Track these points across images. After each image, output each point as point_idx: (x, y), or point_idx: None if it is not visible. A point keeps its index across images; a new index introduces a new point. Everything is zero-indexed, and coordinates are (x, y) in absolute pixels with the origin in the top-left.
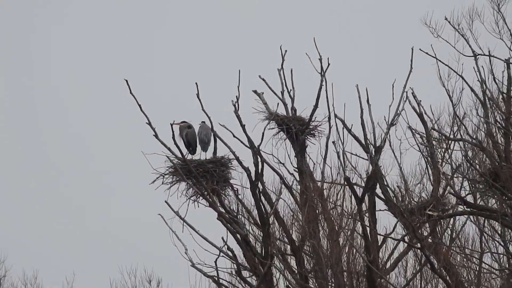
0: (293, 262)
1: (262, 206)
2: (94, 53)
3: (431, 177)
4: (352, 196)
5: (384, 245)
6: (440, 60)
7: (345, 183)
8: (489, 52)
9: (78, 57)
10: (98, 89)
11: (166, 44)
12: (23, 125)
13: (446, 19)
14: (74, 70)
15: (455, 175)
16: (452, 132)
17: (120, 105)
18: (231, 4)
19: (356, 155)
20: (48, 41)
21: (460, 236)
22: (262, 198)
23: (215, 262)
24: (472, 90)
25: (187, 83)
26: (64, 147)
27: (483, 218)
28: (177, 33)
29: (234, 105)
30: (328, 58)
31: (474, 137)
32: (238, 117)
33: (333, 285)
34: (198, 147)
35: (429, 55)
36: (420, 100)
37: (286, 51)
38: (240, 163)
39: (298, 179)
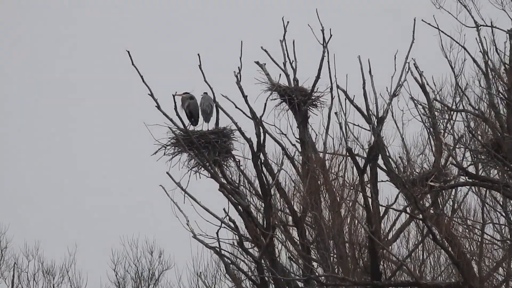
0: (295, 233)
1: (264, 177)
2: (97, 22)
3: (433, 148)
4: (354, 167)
5: (386, 216)
6: (442, 31)
7: (347, 154)
8: (491, 23)
9: (81, 25)
10: (100, 60)
11: (167, 15)
12: (23, 95)
13: None
14: (76, 40)
15: (457, 146)
16: (454, 103)
17: (122, 76)
18: None
19: (358, 126)
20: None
21: (462, 207)
22: (264, 169)
23: (217, 233)
24: (474, 61)
25: (190, 54)
26: (66, 119)
27: (485, 189)
28: (178, 4)
29: (236, 76)
30: (330, 29)
31: (476, 108)
32: (240, 88)
33: (335, 256)
34: (200, 118)
35: (432, 26)
36: (422, 71)
37: (288, 22)
38: (242, 134)
39: (300, 150)
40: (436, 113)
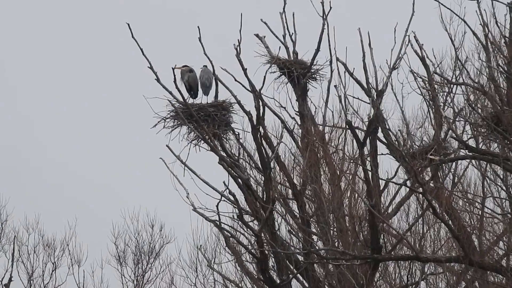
0: (294, 207)
1: (264, 150)
2: None
3: (433, 121)
4: (354, 140)
5: (386, 189)
6: (442, 4)
7: (347, 127)
8: None
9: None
10: (99, 33)
11: None
12: (27, 64)
13: None
14: (75, 13)
15: (457, 119)
16: (454, 76)
17: (122, 49)
18: None
19: (358, 98)
20: None
21: (462, 181)
22: (264, 142)
23: (217, 206)
24: (474, 34)
25: (189, 27)
26: (65, 93)
27: (485, 163)
28: None
29: (236, 49)
30: (330, 2)
31: (476, 81)
32: (239, 60)
33: (335, 229)
34: (200, 91)
35: None
36: (422, 44)
37: None
38: (241, 107)
39: (299, 123)
40: (436, 86)
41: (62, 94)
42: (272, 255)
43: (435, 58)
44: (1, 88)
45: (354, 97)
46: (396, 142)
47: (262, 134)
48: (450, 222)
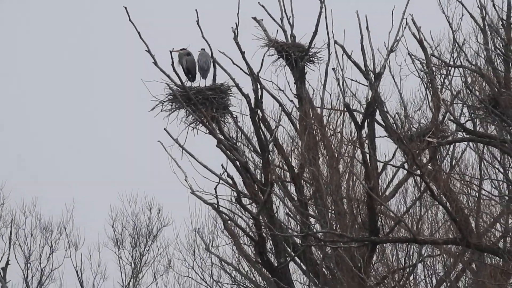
0: (293, 189)
1: (262, 133)
2: None
3: (431, 104)
4: (352, 123)
5: (384, 172)
6: None
7: (345, 110)
8: None
9: None
10: (97, 17)
11: None
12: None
13: None
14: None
15: (454, 102)
16: (452, 58)
17: (119, 32)
18: None
19: (356, 81)
20: None
21: (459, 163)
22: (262, 125)
23: (215, 189)
24: (471, 16)
25: (187, 10)
26: (63, 77)
27: (483, 145)
28: None
29: (234, 32)
30: None
31: (474, 63)
32: (237, 44)
33: (333, 212)
34: (198, 74)
35: None
36: (420, 27)
37: None
38: (239, 90)
39: (297, 106)
40: (433, 68)
41: (61, 75)
42: (270, 237)
43: (432, 40)
44: None
45: (352, 80)
46: (394, 124)
47: (260, 117)
48: (447, 204)
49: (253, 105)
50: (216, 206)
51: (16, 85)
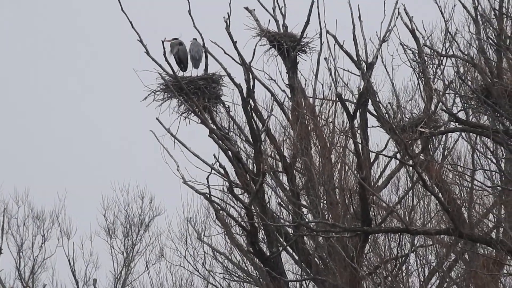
0: (284, 179)
1: (254, 123)
2: None
3: (423, 94)
4: (344, 113)
5: (376, 162)
6: None
7: (337, 100)
8: None
9: None
10: (88, 6)
11: None
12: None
13: None
14: None
15: (447, 92)
16: (444, 48)
17: (111, 22)
18: None
19: (348, 71)
20: None
21: (452, 153)
22: (254, 115)
23: (207, 179)
24: (464, 6)
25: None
26: (55, 65)
27: (475, 135)
28: None
29: (226, 22)
30: None
31: (466, 53)
32: (229, 33)
33: (325, 202)
34: (190, 64)
35: None
36: (412, 16)
37: None
38: (231, 79)
39: (289, 95)
40: (425, 58)
41: (52, 64)
42: (262, 227)
43: (425, 30)
44: None
45: (344, 70)
46: (386, 114)
47: (252, 107)
48: (440, 194)
49: (245, 95)
50: (208, 196)
51: (6, 74)
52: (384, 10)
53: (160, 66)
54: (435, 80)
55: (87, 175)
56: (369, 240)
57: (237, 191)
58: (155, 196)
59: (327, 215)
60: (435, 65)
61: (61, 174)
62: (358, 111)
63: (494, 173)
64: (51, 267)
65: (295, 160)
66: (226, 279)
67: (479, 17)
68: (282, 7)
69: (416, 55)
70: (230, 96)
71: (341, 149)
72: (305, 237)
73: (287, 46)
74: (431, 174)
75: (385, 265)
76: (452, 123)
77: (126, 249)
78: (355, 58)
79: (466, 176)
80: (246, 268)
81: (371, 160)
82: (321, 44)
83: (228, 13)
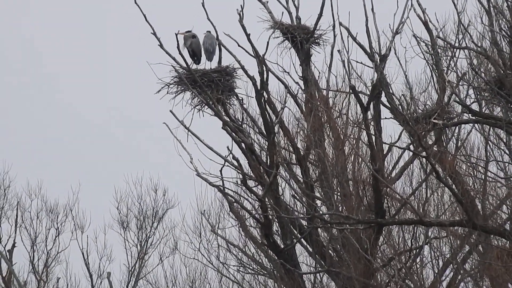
0: (298, 172)
1: (267, 115)
2: None
3: (436, 86)
4: (357, 105)
5: (390, 154)
6: None
7: (350, 92)
8: None
9: None
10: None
11: None
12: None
13: None
14: None
15: (460, 83)
16: (457, 40)
17: (125, 15)
18: None
19: (361, 63)
20: None
21: (465, 145)
22: (267, 107)
23: (220, 171)
24: None
25: None
26: (68, 58)
27: (488, 127)
28: None
29: (239, 14)
30: None
31: (479, 45)
32: (243, 26)
33: (338, 194)
34: (203, 57)
35: None
36: (425, 8)
37: None
38: (245, 72)
39: (303, 87)
40: (439, 50)
41: (65, 60)
42: (276, 220)
43: (438, 22)
44: None
45: (357, 62)
46: (399, 106)
47: (266, 99)
48: (453, 186)
49: (258, 87)
50: (221, 188)
51: (25, 71)
52: (397, 1)
53: (174, 59)
54: (448, 72)
55: (100, 168)
56: (383, 232)
57: (251, 183)
58: (169, 189)
59: (341, 207)
60: (448, 57)
61: (75, 167)
62: (372, 103)
63: (507, 164)
64: (65, 261)
65: (309, 152)
66: (240, 272)
67: (492, 8)
68: None
69: (429, 47)
70: (244, 88)
71: (354, 141)
72: (319, 229)
73: (300, 38)
74: (445, 165)
75: (399, 257)
76: (465, 114)
77: (140, 242)
78: (368, 50)
79: (480, 168)
80: (260, 261)
81: (385, 152)
82: (335, 36)
83: (241, 5)
